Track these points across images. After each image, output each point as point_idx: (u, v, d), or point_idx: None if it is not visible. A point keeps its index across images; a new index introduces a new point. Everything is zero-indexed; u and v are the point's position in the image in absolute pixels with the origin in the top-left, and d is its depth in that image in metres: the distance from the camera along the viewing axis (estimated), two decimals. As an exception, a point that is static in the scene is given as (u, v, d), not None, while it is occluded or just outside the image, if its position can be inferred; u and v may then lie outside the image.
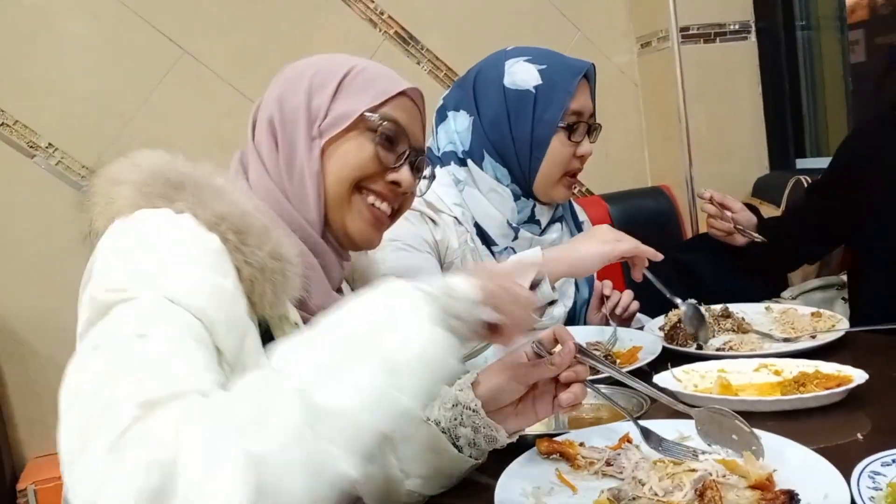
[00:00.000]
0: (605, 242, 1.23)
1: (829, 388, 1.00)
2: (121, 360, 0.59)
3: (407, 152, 0.94)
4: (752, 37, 2.71)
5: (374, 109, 0.91)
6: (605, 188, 2.63)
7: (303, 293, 0.82)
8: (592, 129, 1.45)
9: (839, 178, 1.66)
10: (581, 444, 0.87)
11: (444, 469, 0.85)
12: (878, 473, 0.76)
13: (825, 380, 1.04)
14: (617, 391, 1.09)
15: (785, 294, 1.69)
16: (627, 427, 0.90)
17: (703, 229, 2.65)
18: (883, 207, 1.48)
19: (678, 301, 1.33)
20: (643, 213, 2.51)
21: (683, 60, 2.60)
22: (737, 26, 2.69)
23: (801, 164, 2.75)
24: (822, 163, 2.48)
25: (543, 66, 1.39)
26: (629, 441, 0.87)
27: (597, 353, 1.30)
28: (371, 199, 0.93)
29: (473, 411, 0.83)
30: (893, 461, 0.78)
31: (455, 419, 0.84)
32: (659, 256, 1.25)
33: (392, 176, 0.93)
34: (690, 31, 2.64)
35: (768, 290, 1.69)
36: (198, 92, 2.27)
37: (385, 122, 0.91)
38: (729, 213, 1.51)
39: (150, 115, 2.20)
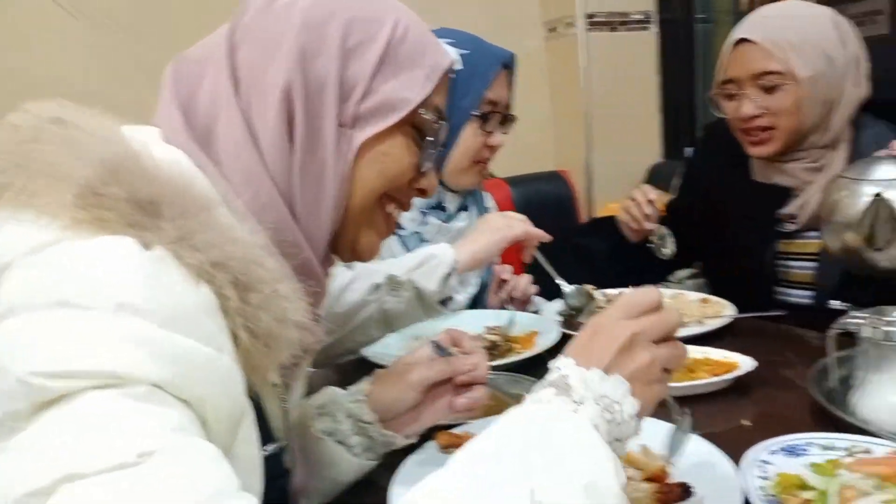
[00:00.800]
0: (498, 230, 1.24)
1: (718, 375, 1.03)
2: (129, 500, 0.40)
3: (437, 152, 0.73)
4: (654, 27, 2.77)
5: (426, 102, 0.67)
6: (510, 171, 2.63)
7: None
8: (507, 120, 1.42)
9: (683, 200, 1.68)
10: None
11: (339, 478, 0.80)
12: (765, 462, 0.77)
13: (714, 366, 1.06)
14: (514, 378, 1.08)
15: (672, 278, 1.73)
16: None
17: (598, 213, 2.72)
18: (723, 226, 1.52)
19: (563, 284, 1.34)
20: (542, 197, 2.53)
21: (589, 47, 2.63)
22: (640, 16, 2.75)
23: (689, 153, 2.85)
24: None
25: (467, 52, 1.35)
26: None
27: (495, 337, 1.29)
28: (391, 208, 0.72)
29: (368, 424, 0.79)
30: (780, 449, 0.80)
31: (349, 430, 0.79)
32: (547, 237, 1.28)
33: (422, 183, 0.73)
34: (596, 19, 2.67)
35: (658, 274, 1.72)
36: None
37: (437, 123, 0.69)
38: (649, 210, 1.52)
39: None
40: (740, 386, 1.04)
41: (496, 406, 0.92)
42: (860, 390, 0.85)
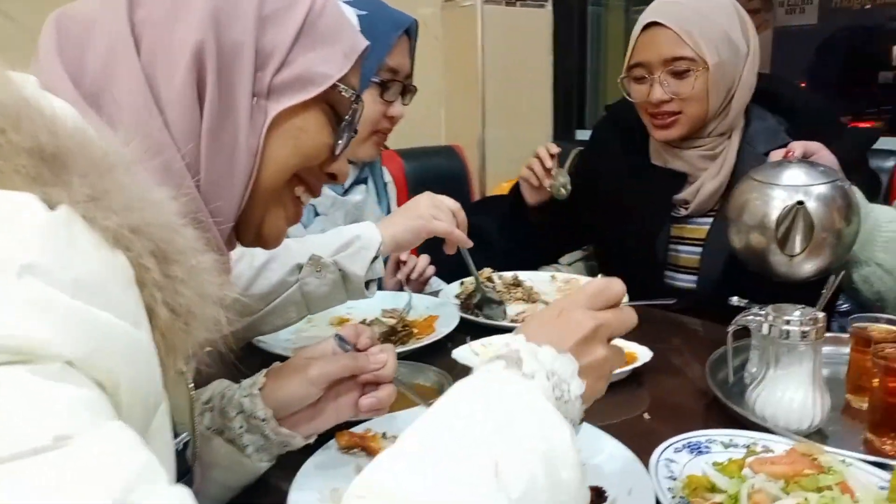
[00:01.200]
0: (420, 217, 1.16)
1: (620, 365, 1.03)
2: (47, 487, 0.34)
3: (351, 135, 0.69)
4: (549, 6, 2.77)
5: (345, 80, 0.64)
6: (401, 143, 2.55)
7: None
8: (407, 91, 1.35)
9: (580, 180, 1.71)
10: (384, 436, 0.78)
11: (229, 482, 0.72)
12: (671, 461, 0.77)
13: (614, 357, 1.06)
14: (416, 367, 1.03)
15: (563, 260, 1.75)
16: (432, 413, 0.83)
17: (490, 191, 2.71)
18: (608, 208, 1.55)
19: (476, 275, 1.30)
20: (435, 171, 2.48)
21: (485, 20, 2.58)
22: (537, -7, 2.74)
23: (581, 134, 2.90)
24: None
25: (365, 13, 1.25)
26: (434, 430, 0.81)
27: (392, 321, 1.24)
28: (300, 191, 0.68)
29: (263, 420, 0.71)
30: (684, 447, 0.80)
31: (241, 427, 0.71)
32: (468, 244, 1.20)
33: (334, 167, 0.69)
34: (494, -8, 2.64)
35: (549, 255, 1.73)
36: None
37: (356, 103, 0.66)
38: (550, 164, 1.50)
39: None
40: (636, 376, 1.05)
41: (400, 400, 0.87)
42: (758, 387, 0.87)
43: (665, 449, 0.79)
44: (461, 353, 1.05)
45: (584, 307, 0.60)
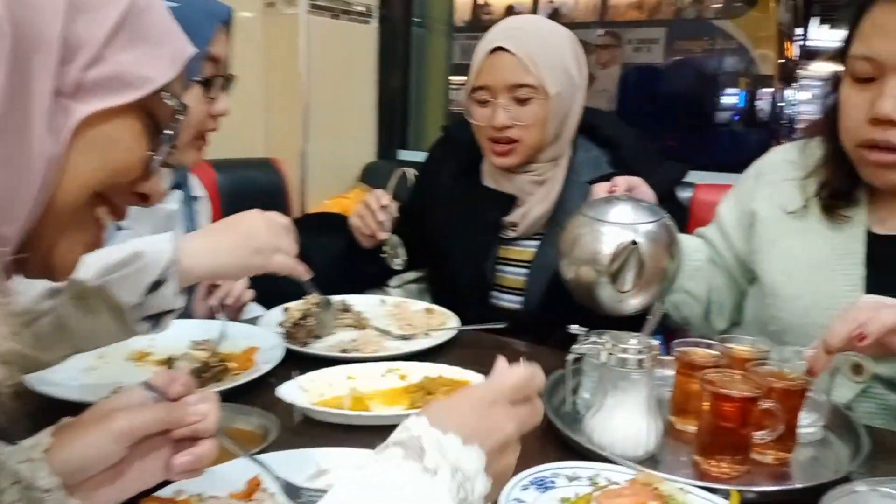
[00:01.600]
0: (258, 252, 0.95)
1: (457, 398, 0.98)
2: None
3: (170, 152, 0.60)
4: (375, 23, 2.73)
5: (169, 87, 0.56)
6: (213, 153, 2.36)
7: None
8: (228, 81, 1.22)
9: (413, 198, 1.69)
10: (200, 498, 0.66)
11: None
12: (520, 501, 0.73)
13: (451, 386, 1.02)
14: (236, 409, 0.91)
15: (392, 282, 1.70)
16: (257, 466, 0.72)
17: (311, 208, 2.60)
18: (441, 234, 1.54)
19: (313, 293, 1.20)
20: (251, 185, 2.33)
21: (310, 30, 2.48)
22: (362, 8, 2.69)
23: (403, 154, 2.88)
24: (419, 156, 2.64)
25: (177, 5, 1.10)
26: (259, 487, 0.70)
27: (205, 354, 1.09)
28: (102, 212, 0.57)
29: (46, 492, 0.56)
30: (531, 483, 0.76)
31: (17, 502, 0.56)
32: (305, 276, 1.08)
33: (146, 187, 0.58)
34: (319, 3, 2.54)
35: (379, 277, 1.67)
36: None
37: (180, 113, 0.57)
38: (382, 217, 1.43)
39: None
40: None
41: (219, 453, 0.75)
42: (595, 415, 0.87)
43: (513, 488, 0.74)
44: (287, 391, 0.95)
45: (508, 402, 0.56)
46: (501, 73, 1.35)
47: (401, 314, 1.38)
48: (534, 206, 1.43)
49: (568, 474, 0.79)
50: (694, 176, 1.52)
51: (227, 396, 0.95)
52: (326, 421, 0.92)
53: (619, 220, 0.95)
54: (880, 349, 0.83)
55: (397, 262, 1.45)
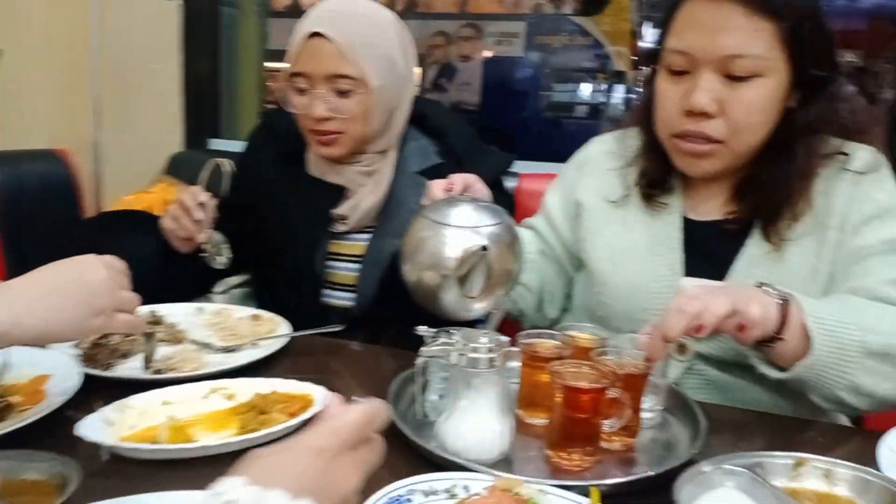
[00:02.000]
0: (100, 313, 0.79)
1: (295, 414, 0.89)
2: None
3: None
4: (178, 0, 2.48)
5: None
6: (-17, 144, 2.03)
7: None
8: None
9: (233, 192, 1.56)
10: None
11: None
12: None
13: (288, 403, 0.92)
14: (22, 454, 0.74)
15: (217, 288, 1.54)
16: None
17: (109, 206, 2.32)
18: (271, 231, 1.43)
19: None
20: (33, 181, 2.02)
21: (102, 4, 2.20)
22: (161, -18, 2.43)
23: (215, 144, 2.67)
24: (234, 145, 2.46)
25: None
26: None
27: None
28: None
29: None
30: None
31: None
32: (139, 331, 0.94)
33: None
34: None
35: (198, 286, 1.50)
36: None
37: None
38: (200, 216, 1.27)
39: None
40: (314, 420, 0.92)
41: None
42: (449, 420, 0.82)
43: (369, 511, 0.67)
44: (89, 426, 0.80)
45: (349, 450, 0.50)
46: (319, 62, 1.26)
47: (223, 323, 1.25)
48: (364, 197, 1.36)
49: (424, 489, 0.73)
50: (518, 165, 1.53)
51: (12, 440, 0.78)
52: (141, 458, 0.78)
53: (464, 223, 0.91)
54: (712, 332, 0.86)
55: (220, 261, 1.32)
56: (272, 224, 1.41)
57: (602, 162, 1.26)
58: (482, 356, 0.80)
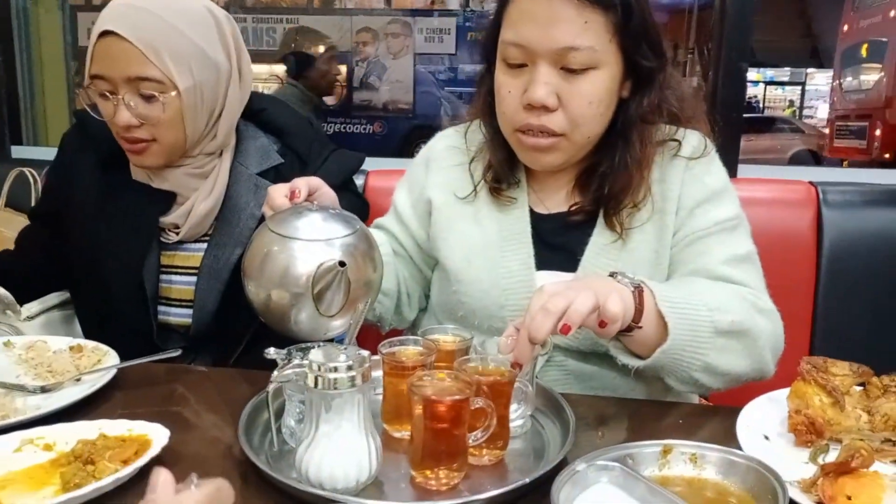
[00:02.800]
0: None
1: (129, 461, 0.77)
2: None
3: None
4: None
5: None
6: None
7: None
8: None
9: (46, 201, 1.40)
10: None
11: None
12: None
13: (119, 448, 0.80)
14: None
15: (28, 309, 1.33)
16: None
17: None
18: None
19: None
20: None
21: None
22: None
23: (18, 152, 2.37)
24: (41, 153, 2.20)
25: None
26: None
27: None
28: None
29: None
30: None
31: None
32: None
33: None
34: None
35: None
36: None
37: None
38: None
39: None
40: (158, 462, 0.81)
41: None
42: (310, 448, 0.74)
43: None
44: None
45: None
46: (116, 63, 1.11)
47: (37, 358, 1.08)
48: (197, 203, 1.23)
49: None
50: (369, 162, 1.46)
51: None
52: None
53: (315, 236, 0.84)
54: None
55: (7, 320, 1.14)
56: (93, 236, 1.25)
57: (448, 157, 1.23)
58: (342, 375, 0.73)
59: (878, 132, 5.37)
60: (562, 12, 0.99)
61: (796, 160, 7.07)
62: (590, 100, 1.03)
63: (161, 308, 1.28)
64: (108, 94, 1.13)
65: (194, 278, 1.26)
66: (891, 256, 1.51)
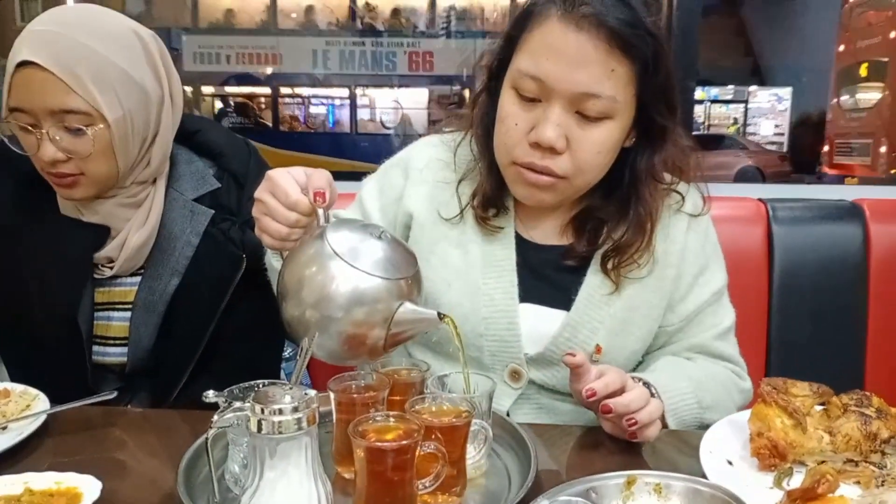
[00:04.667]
0: None
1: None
2: None
3: None
4: None
5: None
6: None
7: None
8: None
9: None
10: None
11: None
12: None
13: (50, 501, 0.74)
14: None
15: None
16: None
17: None
18: None
19: None
20: None
21: None
22: None
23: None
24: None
25: None
26: None
27: None
28: None
29: None
30: None
31: None
32: None
33: None
34: None
35: None
36: None
37: None
38: None
39: None
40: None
41: None
42: (255, 497, 0.69)
43: None
44: None
45: None
46: (37, 96, 1.03)
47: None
48: (131, 234, 1.16)
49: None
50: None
51: None
52: None
53: (392, 274, 0.83)
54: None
55: None
56: (18, 275, 1.17)
57: (433, 170, 1.16)
58: (287, 418, 0.68)
59: (882, 149, 5.58)
60: (591, 54, 0.93)
61: (743, 177, 7.27)
62: (599, 149, 0.99)
63: (96, 348, 1.20)
64: (29, 127, 1.05)
65: (129, 314, 1.19)
66: (839, 268, 1.53)
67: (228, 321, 1.20)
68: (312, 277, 0.82)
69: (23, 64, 1.02)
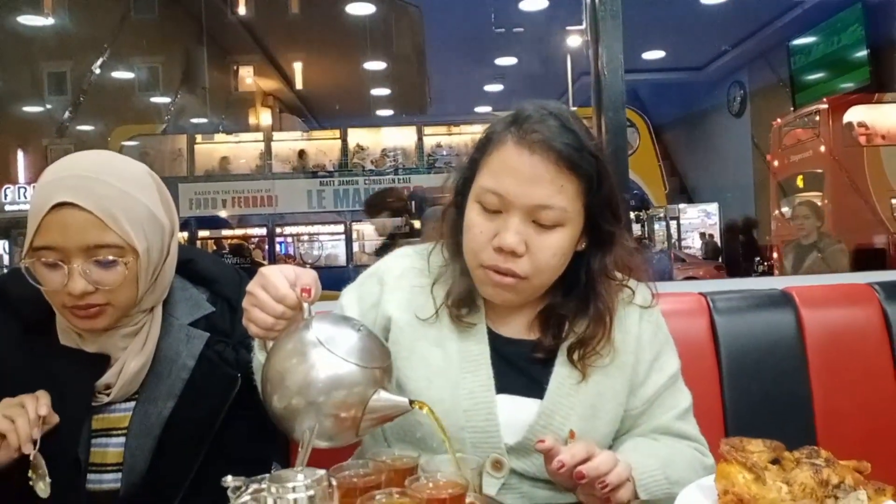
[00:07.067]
0: None
1: None
2: None
3: None
4: None
5: None
6: None
7: None
8: None
9: None
10: None
11: None
12: None
13: None
14: None
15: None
16: None
17: None
18: None
19: None
20: None
21: None
22: None
23: None
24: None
25: None
26: None
27: None
28: None
29: None
30: None
31: None
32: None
33: None
34: None
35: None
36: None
37: None
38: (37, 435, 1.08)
39: None
40: None
41: None
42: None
43: None
44: None
45: None
46: (75, 234, 1.11)
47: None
48: (128, 361, 1.21)
49: None
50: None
51: None
52: None
53: (369, 363, 0.93)
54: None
55: (42, 488, 1.10)
56: None
57: (408, 277, 1.27)
58: (301, 495, 0.74)
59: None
60: (543, 173, 1.08)
61: (687, 287, 7.68)
62: (554, 252, 1.13)
63: (91, 476, 1.21)
64: (58, 263, 1.12)
65: (124, 439, 1.21)
66: (780, 350, 1.67)
67: (223, 440, 1.24)
68: (299, 362, 0.93)
69: (59, 205, 1.10)
